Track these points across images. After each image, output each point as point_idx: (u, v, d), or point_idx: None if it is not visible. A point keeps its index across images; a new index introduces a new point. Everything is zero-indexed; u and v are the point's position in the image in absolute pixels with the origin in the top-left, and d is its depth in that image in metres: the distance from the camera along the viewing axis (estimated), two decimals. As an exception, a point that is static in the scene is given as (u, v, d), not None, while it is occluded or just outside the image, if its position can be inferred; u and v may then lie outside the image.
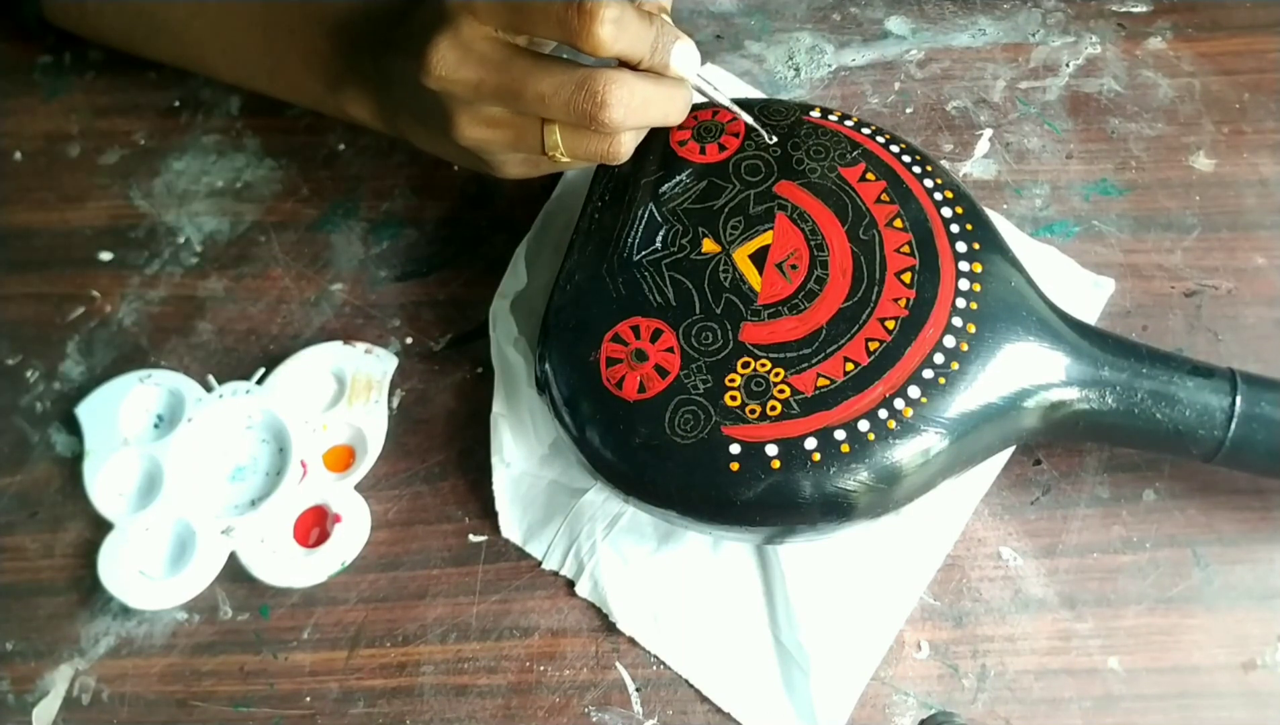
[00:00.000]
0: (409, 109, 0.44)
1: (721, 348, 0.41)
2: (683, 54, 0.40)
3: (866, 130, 0.45)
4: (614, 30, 0.37)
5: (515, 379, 0.48)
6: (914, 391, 0.39)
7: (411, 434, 0.49)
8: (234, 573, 0.46)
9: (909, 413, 0.39)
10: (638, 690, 0.45)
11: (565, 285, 0.43)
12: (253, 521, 0.46)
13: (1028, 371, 0.41)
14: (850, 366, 0.40)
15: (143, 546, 0.46)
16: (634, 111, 0.39)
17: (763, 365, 0.40)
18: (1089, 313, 0.50)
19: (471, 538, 0.47)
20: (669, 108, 0.41)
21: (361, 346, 0.50)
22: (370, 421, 0.48)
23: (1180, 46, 0.57)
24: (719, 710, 0.44)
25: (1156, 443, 0.43)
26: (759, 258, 0.42)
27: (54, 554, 0.47)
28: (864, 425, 0.39)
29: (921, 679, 0.44)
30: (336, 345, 0.50)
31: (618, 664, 0.45)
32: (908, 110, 0.56)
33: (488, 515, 0.47)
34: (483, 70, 0.39)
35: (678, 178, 0.44)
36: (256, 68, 0.50)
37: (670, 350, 0.41)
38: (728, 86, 0.56)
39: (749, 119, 0.44)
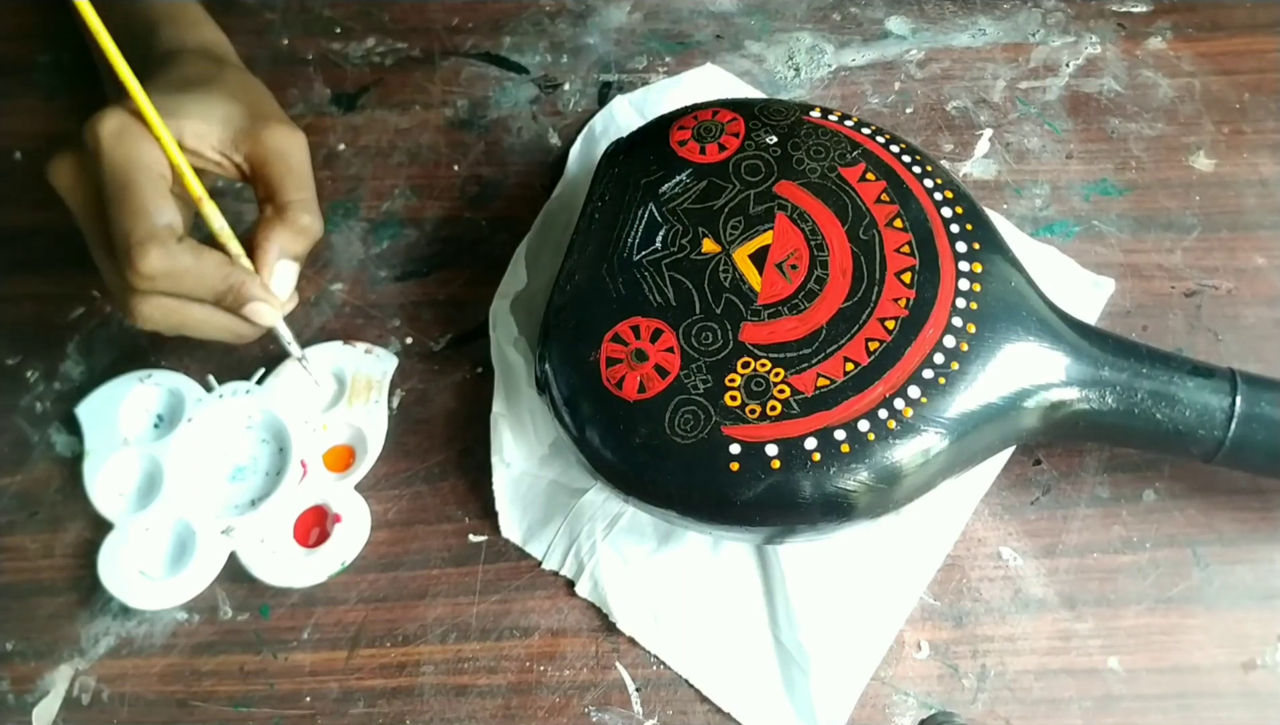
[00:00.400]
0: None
1: (721, 348, 0.41)
2: (257, 311, 0.42)
3: (866, 130, 0.45)
4: (149, 287, 0.39)
5: (515, 379, 0.48)
6: (914, 391, 0.39)
7: (411, 434, 0.49)
8: (234, 573, 0.46)
9: (909, 413, 0.39)
10: (638, 690, 0.45)
11: (565, 285, 0.43)
12: (253, 521, 0.46)
13: (1028, 371, 0.41)
14: (850, 366, 0.40)
15: (143, 546, 0.46)
16: (174, 328, 0.41)
17: (763, 365, 0.40)
18: (1089, 313, 0.50)
19: (471, 538, 0.47)
20: (225, 333, 0.43)
21: (361, 346, 0.50)
22: (370, 421, 0.48)
23: (1180, 46, 0.57)
24: (719, 710, 0.44)
25: (1156, 443, 0.43)
26: (759, 258, 0.42)
27: (54, 554, 0.47)
28: (864, 425, 0.39)
29: (921, 679, 0.44)
30: (336, 345, 0.50)
31: (618, 664, 0.45)
32: (908, 110, 0.56)
33: (488, 515, 0.47)
34: (74, 200, 0.41)
35: (678, 178, 0.44)
36: None
37: (670, 350, 0.41)
38: (728, 86, 0.56)
39: (305, 369, 0.47)
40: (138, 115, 0.39)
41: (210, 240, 0.41)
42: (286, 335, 0.45)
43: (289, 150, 0.42)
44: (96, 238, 0.40)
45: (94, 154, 0.39)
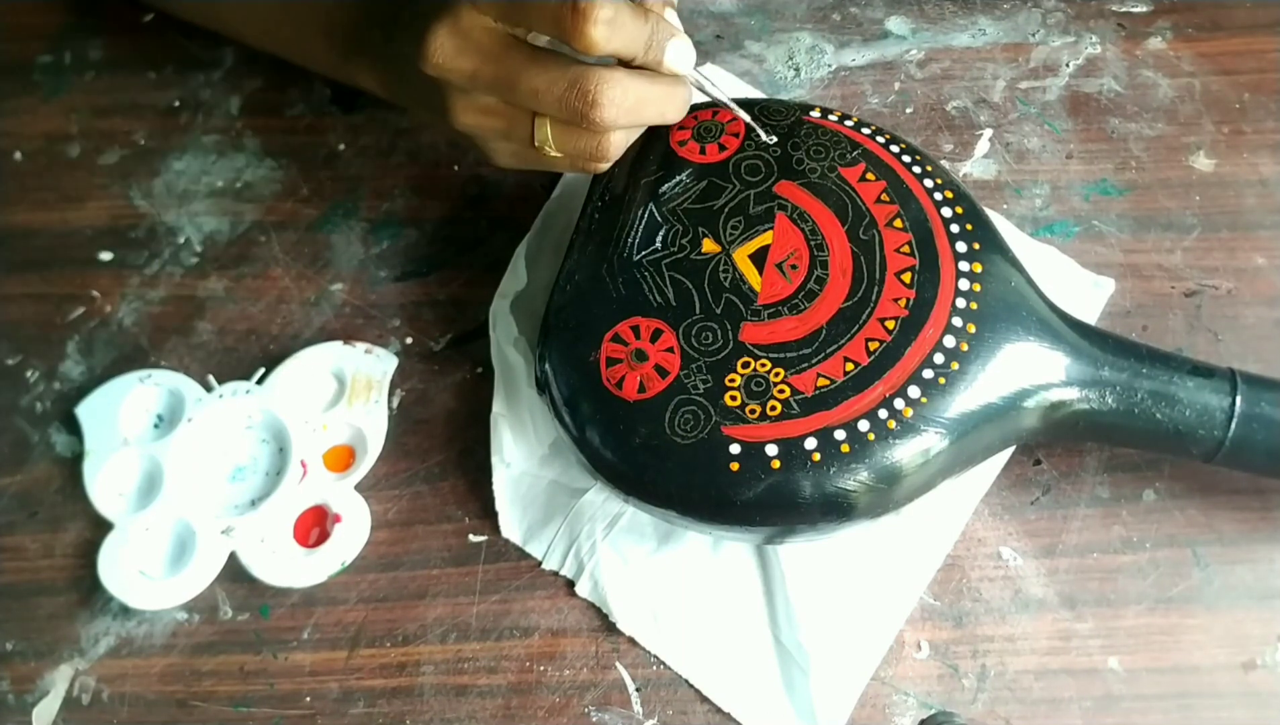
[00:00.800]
0: (411, 87, 0.44)
1: (721, 348, 0.41)
2: (678, 51, 0.40)
3: (866, 130, 0.45)
4: (606, 31, 0.37)
5: (515, 379, 0.48)
6: (914, 391, 0.39)
7: (411, 434, 0.49)
8: (234, 573, 0.46)
9: (909, 413, 0.39)
10: (638, 690, 0.45)
11: (565, 285, 0.43)
12: (253, 521, 0.46)
13: (1028, 371, 0.41)
14: (850, 366, 0.40)
15: (143, 546, 0.46)
16: (627, 111, 0.39)
17: (763, 365, 0.40)
18: (1089, 313, 0.50)
19: (471, 538, 0.47)
20: (665, 106, 0.41)
21: (361, 346, 0.50)
22: (370, 421, 0.48)
23: (1180, 46, 0.57)
24: (719, 710, 0.44)
25: (1156, 443, 0.43)
26: (759, 258, 0.42)
27: (54, 554, 0.47)
28: (864, 425, 0.39)
29: (921, 679, 0.44)
30: (336, 345, 0.50)
31: (618, 664, 0.45)
32: (908, 110, 0.56)
33: (488, 515, 0.47)
34: (479, 61, 0.39)
35: (678, 178, 0.44)
36: (278, 34, 0.50)
37: (670, 350, 0.41)
38: (728, 87, 0.56)
39: (747, 117, 0.44)
40: None
41: None
42: (701, 80, 0.43)
43: None
44: (499, 90, 0.40)
45: None
